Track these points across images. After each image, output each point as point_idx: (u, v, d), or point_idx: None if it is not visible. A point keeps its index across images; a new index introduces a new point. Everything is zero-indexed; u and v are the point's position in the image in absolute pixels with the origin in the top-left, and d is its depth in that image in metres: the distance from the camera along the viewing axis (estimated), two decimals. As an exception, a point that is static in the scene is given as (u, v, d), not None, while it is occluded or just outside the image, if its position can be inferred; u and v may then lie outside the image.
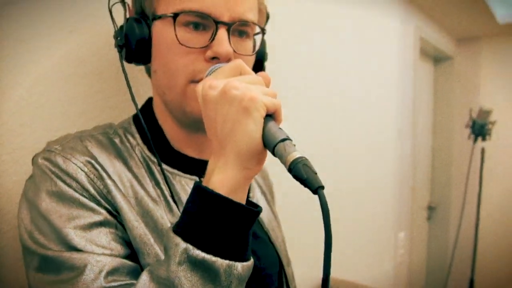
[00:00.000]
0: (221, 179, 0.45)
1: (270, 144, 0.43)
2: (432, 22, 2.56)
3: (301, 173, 0.40)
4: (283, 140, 0.42)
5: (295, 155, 0.41)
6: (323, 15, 1.45)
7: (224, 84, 0.45)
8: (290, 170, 0.41)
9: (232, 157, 0.45)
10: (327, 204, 0.39)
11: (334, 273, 1.36)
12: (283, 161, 0.42)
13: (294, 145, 0.43)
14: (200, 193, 0.45)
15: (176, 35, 0.55)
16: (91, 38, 0.74)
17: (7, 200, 0.64)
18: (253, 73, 0.50)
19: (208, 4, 0.55)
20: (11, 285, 0.65)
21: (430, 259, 3.12)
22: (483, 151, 2.21)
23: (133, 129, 0.64)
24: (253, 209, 0.46)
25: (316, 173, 0.41)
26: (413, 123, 2.30)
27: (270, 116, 0.45)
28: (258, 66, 0.69)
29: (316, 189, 0.40)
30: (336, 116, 1.58)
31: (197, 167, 0.65)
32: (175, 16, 0.55)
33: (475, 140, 2.19)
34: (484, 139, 2.15)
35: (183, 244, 0.43)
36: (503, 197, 2.99)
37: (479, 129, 2.12)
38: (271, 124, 0.44)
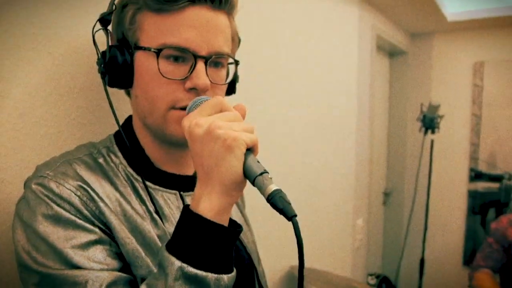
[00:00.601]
0: (208, 206, 0.52)
1: (250, 177, 0.51)
2: (387, 20, 2.68)
3: (278, 204, 0.49)
4: (261, 173, 0.50)
5: (272, 188, 0.49)
6: (286, 14, 1.51)
7: (209, 124, 0.51)
8: (268, 200, 0.49)
9: (217, 187, 0.52)
10: (299, 230, 0.47)
11: (294, 261, 1.49)
12: (262, 192, 0.50)
13: (271, 178, 0.51)
14: (191, 217, 0.52)
15: (159, 68, 0.61)
16: (68, 58, 0.77)
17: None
18: (232, 108, 0.56)
19: (188, 39, 0.60)
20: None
21: (386, 242, 3.29)
22: (432, 142, 2.38)
23: (115, 148, 0.69)
24: (235, 229, 0.54)
25: (290, 204, 0.49)
26: (370, 116, 2.44)
27: (249, 150, 0.52)
28: (231, 86, 0.76)
29: (291, 217, 0.48)
30: (299, 108, 1.65)
31: (176, 182, 0.71)
32: (158, 51, 0.60)
33: (426, 132, 2.36)
34: (433, 132, 2.32)
35: (178, 263, 0.50)
36: (449, 184, 3.23)
37: (429, 123, 2.28)
38: (251, 159, 0.51)
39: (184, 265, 0.50)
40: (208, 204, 0.52)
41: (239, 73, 0.75)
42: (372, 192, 2.71)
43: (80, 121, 0.80)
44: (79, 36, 0.78)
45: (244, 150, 0.51)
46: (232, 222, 0.56)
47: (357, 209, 2.34)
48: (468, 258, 3.17)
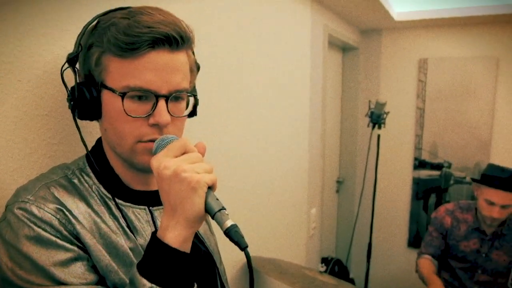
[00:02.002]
0: (174, 236, 0.61)
1: (210, 212, 0.61)
2: (338, 18, 2.82)
3: (233, 237, 0.60)
4: (220, 210, 0.60)
5: (228, 223, 0.60)
6: (243, 15, 1.59)
7: (176, 167, 0.60)
8: (225, 233, 0.60)
9: (182, 220, 0.61)
10: (251, 260, 0.59)
11: (257, 250, 1.66)
12: (220, 226, 0.60)
13: (227, 214, 0.61)
14: (159, 245, 0.61)
15: (123, 108, 0.68)
16: (36, 85, 0.82)
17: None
18: (194, 149, 0.65)
19: (149, 81, 0.67)
20: None
21: (339, 227, 3.50)
22: (378, 137, 2.56)
23: (88, 169, 0.76)
24: (197, 255, 0.64)
25: (243, 237, 0.60)
26: (323, 110, 2.58)
27: (210, 188, 0.62)
28: (193, 111, 0.84)
29: (243, 248, 0.60)
30: (256, 103, 1.74)
31: (145, 198, 0.79)
32: (123, 94, 0.67)
33: (373, 127, 2.53)
34: (379, 127, 2.49)
35: (148, 284, 0.60)
36: (396, 172, 3.48)
37: (376, 119, 2.45)
38: (211, 197, 0.61)
39: (154, 285, 0.60)
40: (173, 234, 0.61)
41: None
42: (325, 181, 2.88)
43: (50, 141, 0.86)
44: (46, 64, 0.83)
45: (206, 190, 0.61)
46: (195, 247, 0.66)
47: (311, 200, 2.49)
48: (412, 240, 3.46)
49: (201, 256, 0.84)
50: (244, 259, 1.67)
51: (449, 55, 3.17)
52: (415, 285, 2.46)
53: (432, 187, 3.36)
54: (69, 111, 0.73)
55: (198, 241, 0.88)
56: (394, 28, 3.29)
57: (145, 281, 0.60)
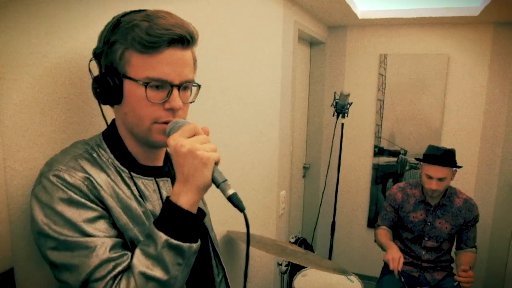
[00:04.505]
0: (186, 200, 0.78)
1: (216, 182, 0.78)
2: (307, 15, 3.02)
3: (235, 201, 0.78)
4: (224, 181, 0.78)
5: (230, 192, 0.77)
6: (217, 13, 1.74)
7: (190, 146, 0.77)
8: (228, 199, 0.78)
9: (194, 188, 0.78)
10: (247, 219, 0.78)
11: (234, 226, 1.90)
12: (223, 193, 0.78)
13: (229, 184, 0.78)
14: (173, 207, 0.78)
15: (146, 95, 0.83)
16: (60, 71, 0.96)
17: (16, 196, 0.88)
18: (201, 131, 0.82)
19: (166, 73, 0.83)
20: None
21: (305, 209, 3.75)
22: (342, 125, 2.80)
23: (105, 145, 0.91)
24: (201, 215, 0.82)
25: (241, 201, 0.78)
26: (292, 101, 2.78)
27: (216, 163, 0.79)
28: None
29: (242, 211, 0.78)
30: (231, 95, 1.90)
31: (152, 171, 0.96)
32: (146, 83, 0.83)
33: (338, 116, 2.76)
34: (343, 117, 2.73)
35: (164, 236, 0.76)
36: (357, 158, 3.76)
37: (340, 109, 2.67)
38: (216, 170, 0.79)
39: (169, 238, 0.77)
40: (185, 199, 0.78)
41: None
42: (293, 166, 3.09)
43: (69, 120, 1.00)
44: (71, 51, 0.97)
45: (213, 164, 0.79)
46: (199, 210, 0.83)
47: (281, 182, 2.70)
48: (372, 220, 3.77)
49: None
50: (223, 232, 1.87)
51: (407, 51, 3.45)
52: (373, 261, 2.74)
53: (389, 172, 3.67)
54: (84, 95, 0.86)
55: None
56: (358, 25, 3.53)
57: (161, 234, 0.77)
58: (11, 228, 0.89)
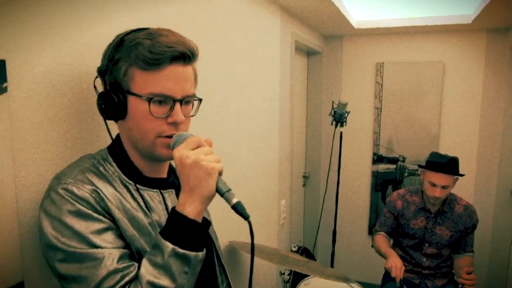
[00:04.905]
0: (191, 210, 0.81)
1: (220, 192, 0.81)
2: (304, 26, 3.07)
3: (239, 210, 0.80)
4: (228, 191, 0.81)
5: (235, 200, 0.80)
6: (219, 23, 1.78)
7: (195, 157, 0.80)
8: (232, 207, 0.80)
9: (199, 197, 0.81)
10: (252, 227, 0.81)
11: (236, 236, 1.93)
12: (228, 202, 0.80)
13: (234, 193, 0.81)
14: (179, 217, 0.80)
15: (150, 110, 0.86)
16: (65, 88, 0.99)
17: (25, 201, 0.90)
18: (205, 143, 0.85)
19: (168, 88, 0.86)
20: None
21: (306, 218, 3.77)
22: (341, 134, 2.83)
23: (110, 159, 0.94)
24: (207, 225, 0.84)
25: (245, 209, 0.80)
26: (291, 111, 2.82)
27: (220, 174, 0.82)
28: None
29: (247, 218, 0.80)
30: (232, 106, 1.93)
31: (157, 183, 0.98)
32: (150, 99, 0.86)
33: (336, 125, 2.79)
34: (341, 125, 2.76)
35: (171, 246, 0.79)
36: (356, 166, 3.78)
37: (338, 118, 2.70)
38: (220, 180, 0.81)
39: (176, 247, 0.79)
40: (191, 208, 0.81)
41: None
42: (293, 176, 3.11)
43: (75, 135, 1.03)
44: (78, 69, 1.00)
45: (218, 175, 0.81)
46: (204, 219, 0.86)
47: (281, 192, 2.73)
48: (372, 228, 3.77)
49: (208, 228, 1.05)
50: (226, 243, 1.88)
51: (403, 59, 3.51)
52: (374, 268, 2.75)
53: (388, 179, 3.69)
54: (89, 111, 0.88)
55: None
56: (354, 34, 3.59)
57: (168, 243, 0.79)
58: (21, 242, 0.91)
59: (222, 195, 0.81)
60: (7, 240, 0.88)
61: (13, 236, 0.89)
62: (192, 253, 0.80)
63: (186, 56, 0.87)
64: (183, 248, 0.79)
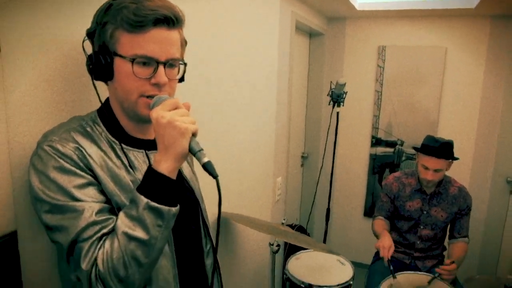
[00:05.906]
0: (166, 167, 0.85)
1: (192, 151, 0.85)
2: (306, 6, 3.07)
3: (208, 169, 0.85)
4: (199, 150, 0.85)
5: (205, 159, 0.84)
6: (217, 5, 1.81)
7: (170, 117, 0.84)
8: (202, 166, 0.85)
9: (172, 156, 0.85)
10: (219, 185, 0.86)
11: (230, 209, 2.00)
12: (199, 161, 0.85)
13: (205, 154, 0.85)
14: (154, 174, 0.85)
15: (133, 71, 0.91)
16: (58, 60, 1.04)
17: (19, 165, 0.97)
18: (182, 106, 0.89)
19: (152, 51, 0.90)
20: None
21: (303, 197, 3.84)
22: (337, 114, 2.86)
23: (99, 120, 0.99)
24: (179, 181, 0.89)
25: (214, 169, 0.85)
26: (289, 90, 2.85)
27: (193, 134, 0.86)
28: (181, 77, 1.08)
29: (215, 177, 0.85)
30: (230, 84, 1.97)
31: (143, 144, 1.04)
32: (133, 60, 0.90)
33: (333, 105, 2.82)
34: (339, 106, 2.79)
35: (145, 199, 0.84)
36: (355, 148, 3.83)
37: (336, 98, 2.73)
38: (193, 141, 0.86)
39: (149, 200, 0.84)
40: (165, 166, 0.85)
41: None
42: (291, 154, 3.16)
43: (68, 99, 1.08)
44: (67, 43, 1.05)
45: (191, 135, 0.86)
46: (179, 176, 0.90)
47: (277, 170, 2.78)
48: (368, 210, 3.84)
49: (183, 186, 1.10)
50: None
51: (405, 43, 3.50)
52: (370, 250, 2.80)
53: (386, 162, 3.73)
54: (82, 77, 0.92)
55: (184, 180, 1.14)
56: (356, 17, 3.58)
57: (142, 197, 0.84)
58: (14, 194, 0.97)
59: (194, 154, 0.86)
60: (1, 192, 0.94)
61: (6, 190, 0.95)
62: (166, 208, 0.85)
63: (170, 20, 0.90)
64: (157, 202, 0.84)
